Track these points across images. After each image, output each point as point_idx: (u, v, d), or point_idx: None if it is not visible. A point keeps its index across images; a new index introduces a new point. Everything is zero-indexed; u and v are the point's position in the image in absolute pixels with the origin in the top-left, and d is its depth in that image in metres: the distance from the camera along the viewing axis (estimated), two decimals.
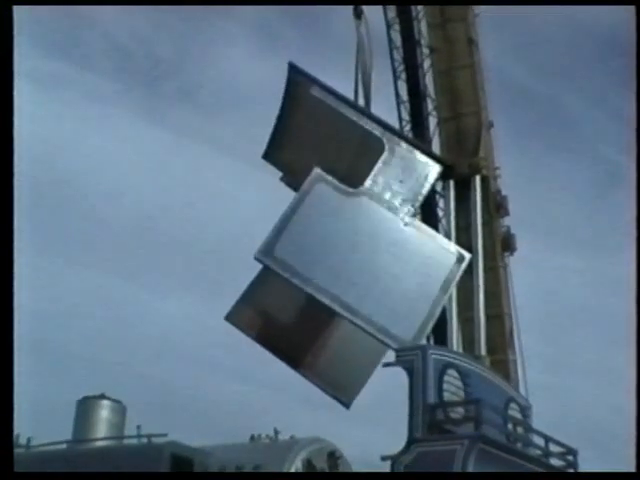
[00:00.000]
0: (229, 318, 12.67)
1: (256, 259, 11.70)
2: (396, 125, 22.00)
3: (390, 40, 21.38)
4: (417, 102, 22.24)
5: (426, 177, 12.44)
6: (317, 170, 12.05)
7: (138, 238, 33.50)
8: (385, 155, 12.42)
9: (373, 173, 12.28)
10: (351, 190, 12.13)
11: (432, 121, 22.60)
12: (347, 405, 12.68)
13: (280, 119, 13.33)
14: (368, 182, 12.19)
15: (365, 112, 13.03)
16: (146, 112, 37.94)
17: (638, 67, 9.60)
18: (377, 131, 12.73)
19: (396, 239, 11.94)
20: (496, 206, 21.96)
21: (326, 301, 11.48)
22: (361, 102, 14.09)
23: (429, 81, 22.27)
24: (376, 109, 14.24)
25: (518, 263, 22.53)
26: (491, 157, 22.20)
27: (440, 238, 12.49)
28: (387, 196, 12.14)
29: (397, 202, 12.08)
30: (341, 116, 12.71)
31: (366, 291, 11.53)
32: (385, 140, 12.56)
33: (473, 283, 21.18)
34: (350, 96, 13.52)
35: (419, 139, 22.38)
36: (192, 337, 28.11)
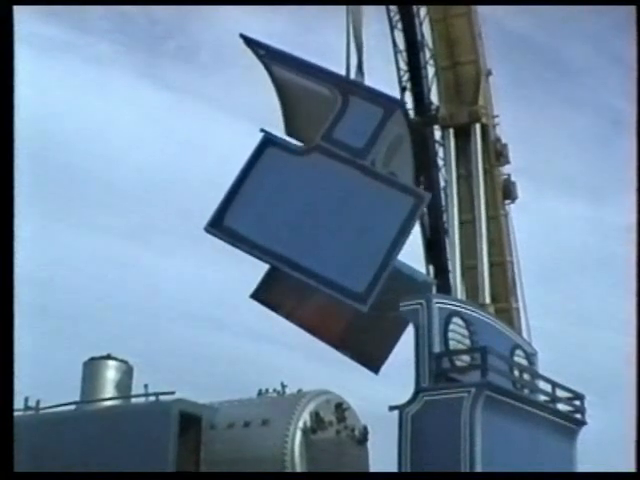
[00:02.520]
0: (256, 296, 12.33)
1: (205, 231, 11.32)
2: (394, 75, 21.95)
3: None
4: (414, 51, 22.10)
5: (382, 122, 11.57)
6: (264, 133, 11.58)
7: (140, 199, 33.46)
8: (338, 107, 11.77)
9: (325, 127, 11.70)
10: (301, 148, 11.68)
11: (430, 71, 22.49)
12: (376, 372, 12.58)
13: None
14: (318, 137, 11.62)
15: (313, 70, 12.20)
16: (146, 73, 37.71)
17: (639, 68, 9.46)
18: (326, 89, 12.10)
19: (351, 192, 11.30)
20: (496, 154, 21.94)
21: (283, 268, 11.11)
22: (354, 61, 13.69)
23: (426, 30, 22.12)
24: (373, 59, 14.09)
25: (519, 211, 22.50)
26: (490, 105, 22.13)
27: (398, 181, 11.57)
28: (339, 148, 11.46)
29: (351, 153, 11.37)
30: (297, 86, 12.30)
31: (323, 251, 11.06)
32: (337, 93, 11.87)
33: (475, 231, 21.22)
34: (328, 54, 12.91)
35: (417, 88, 22.32)
36: (198, 296, 28.12)
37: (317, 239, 11.17)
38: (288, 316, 12.24)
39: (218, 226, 11.32)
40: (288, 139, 12.11)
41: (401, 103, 11.81)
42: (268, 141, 11.56)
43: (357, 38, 13.42)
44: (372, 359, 11.54)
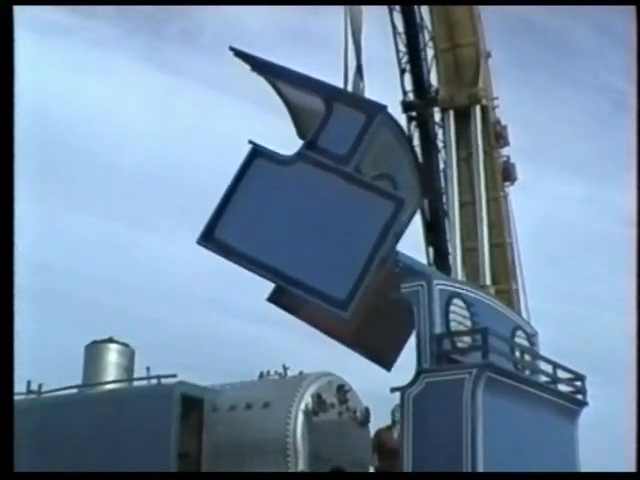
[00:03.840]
0: (273, 299, 12.33)
1: (197, 244, 11.34)
2: (393, 57, 21.93)
3: None
4: (414, 33, 22.09)
5: (364, 127, 11.41)
6: (252, 145, 11.54)
7: (143, 183, 33.46)
8: (322, 115, 11.65)
9: (310, 135, 11.68)
10: (287, 158, 11.54)
11: (429, 53, 22.49)
12: (388, 369, 12.61)
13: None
14: (302, 147, 11.61)
15: (298, 79, 12.06)
16: (149, 56, 37.68)
17: (639, 68, 9.42)
18: (312, 97, 11.94)
19: (334, 199, 11.23)
20: (496, 136, 22.01)
21: (270, 278, 11.19)
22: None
23: (425, 12, 22.11)
24: (372, 41, 14.02)
25: (520, 193, 22.51)
26: (490, 87, 22.16)
27: (378, 187, 11.41)
28: (323, 156, 11.38)
29: (334, 160, 11.26)
30: (291, 93, 12.28)
31: (307, 260, 11.01)
32: (320, 101, 11.72)
33: (475, 213, 21.26)
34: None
35: (416, 70, 22.30)
36: (200, 279, 28.15)
37: (302, 248, 11.16)
38: (303, 317, 12.24)
39: (209, 239, 11.35)
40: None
41: (382, 107, 11.73)
42: (256, 152, 11.61)
43: (356, 41, 13.35)
44: (384, 357, 11.57)
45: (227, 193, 11.48)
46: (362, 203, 11.12)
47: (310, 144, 11.53)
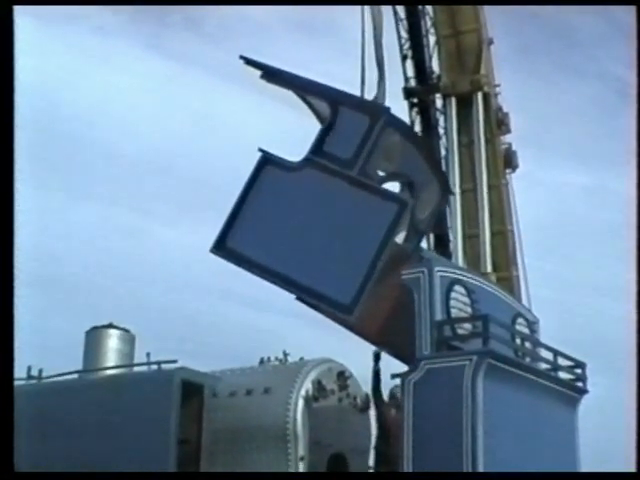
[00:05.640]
0: (300, 298, 12.01)
1: (211, 253, 11.44)
2: (395, 43, 21.86)
3: None
4: (415, 20, 22.03)
5: (369, 129, 11.39)
6: (262, 153, 11.57)
7: (145, 169, 33.45)
8: (328, 119, 11.68)
9: (315, 140, 11.64)
10: (295, 164, 11.55)
11: (431, 39, 22.42)
12: (408, 364, 12.62)
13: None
14: (309, 152, 11.56)
15: (305, 85, 12.09)
16: (152, 44, 37.62)
17: (639, 67, 9.37)
18: (316, 103, 12.06)
19: (339, 204, 11.32)
20: (497, 123, 21.98)
21: (280, 285, 11.19)
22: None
23: None
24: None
25: (522, 180, 22.49)
26: (492, 74, 22.10)
27: (381, 189, 11.49)
28: (329, 161, 11.41)
29: (339, 164, 11.29)
30: (306, 101, 12.31)
31: (314, 265, 11.12)
32: (326, 105, 11.77)
33: (476, 200, 21.24)
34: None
35: (418, 56, 22.24)
36: (200, 265, 28.18)
37: (310, 254, 11.23)
38: (329, 315, 12.23)
39: (222, 248, 11.42)
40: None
41: (386, 108, 11.75)
42: (265, 160, 11.65)
43: (377, 42, 13.22)
44: (407, 353, 11.57)
45: (238, 202, 11.54)
46: (366, 206, 11.17)
47: (316, 149, 11.54)
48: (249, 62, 11.99)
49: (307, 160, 11.52)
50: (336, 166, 11.33)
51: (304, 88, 12.12)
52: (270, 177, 11.57)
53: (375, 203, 11.16)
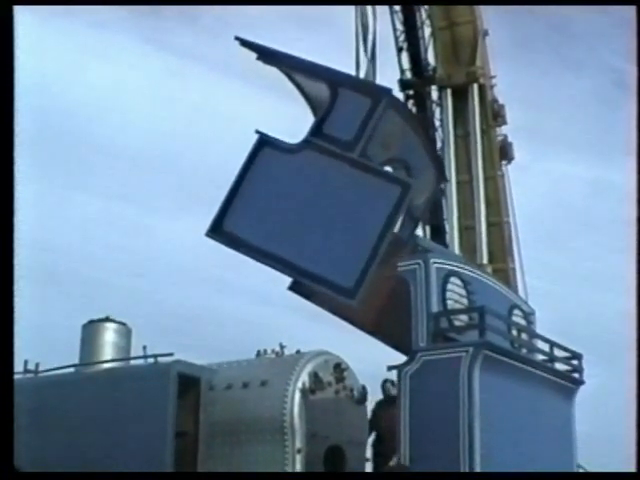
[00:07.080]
0: (294, 288, 12.23)
1: (206, 236, 11.23)
2: (390, 35, 21.83)
3: None
4: (410, 11, 21.99)
5: (370, 111, 11.18)
6: (259, 134, 11.41)
7: (144, 163, 33.43)
8: (327, 101, 11.49)
9: (315, 122, 11.50)
10: (293, 146, 11.37)
11: (426, 31, 22.39)
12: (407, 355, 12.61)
13: None
14: (309, 133, 11.40)
15: (304, 66, 11.89)
16: (151, 38, 37.52)
17: (639, 67, 9.34)
18: (313, 85, 11.84)
19: (341, 186, 11.09)
20: (493, 115, 21.96)
21: (279, 269, 11.01)
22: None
23: None
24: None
25: (519, 172, 22.49)
26: (487, 66, 22.08)
27: (384, 171, 11.38)
28: (329, 143, 11.21)
29: (340, 147, 11.10)
30: (298, 83, 12.15)
31: (315, 248, 10.89)
32: (326, 87, 11.54)
33: (472, 192, 21.24)
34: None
35: (414, 48, 22.21)
36: (198, 259, 28.19)
37: (310, 237, 11.03)
38: (324, 305, 12.17)
39: (218, 231, 11.21)
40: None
41: (388, 90, 11.56)
42: (263, 142, 11.47)
43: (363, 25, 13.19)
44: (404, 343, 11.51)
45: (235, 184, 11.34)
46: (368, 189, 10.96)
47: (316, 131, 11.36)
48: (244, 43, 11.79)
49: (306, 142, 11.33)
50: (336, 148, 11.13)
51: (302, 69, 11.90)
52: (268, 159, 11.36)
53: (377, 185, 10.94)
